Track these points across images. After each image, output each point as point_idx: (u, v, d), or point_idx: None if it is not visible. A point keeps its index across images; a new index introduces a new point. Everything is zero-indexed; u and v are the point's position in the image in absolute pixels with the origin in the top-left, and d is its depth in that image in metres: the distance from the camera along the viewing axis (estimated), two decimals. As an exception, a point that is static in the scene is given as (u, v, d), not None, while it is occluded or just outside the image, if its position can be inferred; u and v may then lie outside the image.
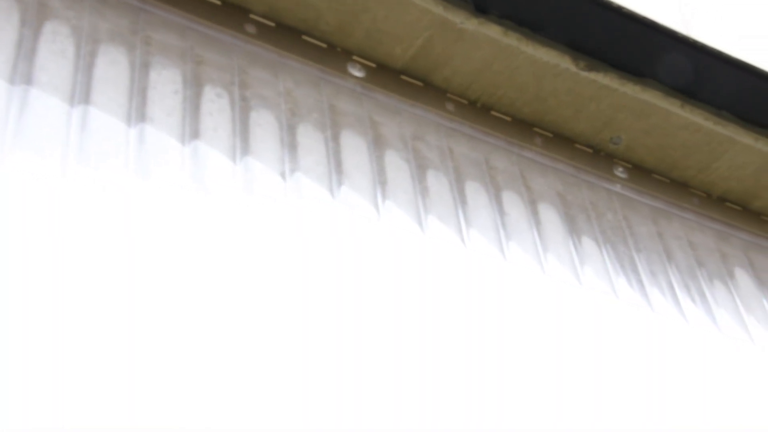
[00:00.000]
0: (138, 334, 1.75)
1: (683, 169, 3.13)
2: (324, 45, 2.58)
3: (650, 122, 2.96)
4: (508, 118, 2.88)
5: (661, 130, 2.98)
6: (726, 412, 2.54)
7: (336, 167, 2.31)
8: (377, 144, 2.47)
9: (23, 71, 1.95)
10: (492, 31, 2.64)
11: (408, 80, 2.70)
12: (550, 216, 2.68)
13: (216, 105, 2.19)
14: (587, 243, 2.70)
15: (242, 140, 2.17)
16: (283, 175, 2.19)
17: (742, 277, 3.01)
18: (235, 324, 1.86)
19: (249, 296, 1.92)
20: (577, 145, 3.00)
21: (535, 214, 2.65)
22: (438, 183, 2.49)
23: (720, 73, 2.92)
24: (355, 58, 2.61)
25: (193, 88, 2.19)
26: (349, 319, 2.03)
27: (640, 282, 2.71)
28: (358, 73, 2.57)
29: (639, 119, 2.95)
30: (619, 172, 3.02)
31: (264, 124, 2.25)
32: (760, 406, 2.61)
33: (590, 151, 3.02)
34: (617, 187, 2.98)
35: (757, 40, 3.02)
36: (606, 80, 2.81)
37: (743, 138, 3.03)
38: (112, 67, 2.08)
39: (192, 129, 2.10)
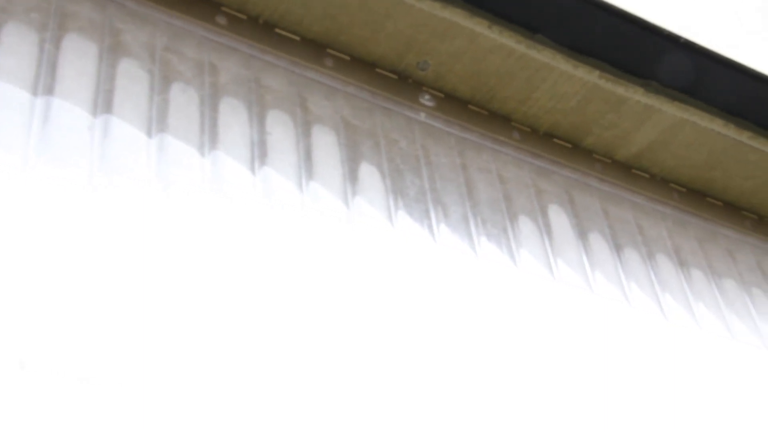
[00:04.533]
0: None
1: (502, 100, 2.89)
2: (66, -55, 2.32)
3: (456, 45, 2.72)
4: (296, 38, 2.63)
5: (469, 54, 2.75)
6: (509, 347, 2.31)
7: (48, 71, 2.06)
8: (114, 51, 2.21)
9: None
10: (260, -67, 2.39)
11: (172, -10, 2.45)
12: (325, 139, 2.44)
13: None
14: (366, 170, 2.46)
15: None
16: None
17: (557, 215, 2.78)
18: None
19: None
20: (380, 70, 2.75)
21: (306, 136, 2.41)
22: (184, 97, 2.25)
23: (532, -8, 2.69)
24: (104, -39, 2.36)
25: None
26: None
27: (425, 213, 2.47)
28: (105, -23, 2.32)
29: (443, 41, 2.71)
30: (426, 100, 2.78)
31: (-41, 20, 1.99)
32: (537, 341, 2.39)
33: (395, 76, 2.78)
34: (421, 116, 2.74)
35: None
36: (400, -5, 2.57)
37: (561, 64, 2.80)
38: None
39: None
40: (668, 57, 2.86)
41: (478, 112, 2.89)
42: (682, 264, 2.94)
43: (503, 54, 2.75)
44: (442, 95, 2.84)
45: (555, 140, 3.01)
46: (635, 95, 2.90)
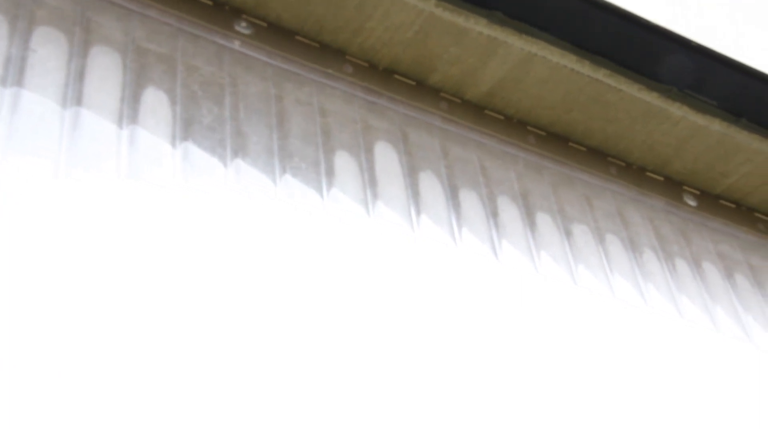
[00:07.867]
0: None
1: (334, 31, 2.68)
2: None
3: (272, -33, 2.51)
4: (91, -44, 2.41)
5: (288, -23, 2.54)
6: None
7: None
8: None
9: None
10: None
11: None
12: (105, 60, 2.22)
13: None
14: (153, 95, 2.23)
15: None
16: None
17: (384, 152, 2.57)
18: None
19: None
20: (191, -5, 2.54)
21: (81, 56, 2.19)
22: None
23: None
24: None
25: None
26: None
27: (219, 143, 2.26)
28: None
29: (257, -38, 2.49)
30: (242, 27, 2.56)
31: None
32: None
33: (210, 2, 2.56)
34: (235, 44, 2.52)
35: None
36: None
37: (391, -10, 2.59)
38: None
39: None
40: (511, -15, 2.66)
41: (308, 43, 2.68)
42: (528, 207, 2.74)
43: (326, -22, 2.54)
44: (265, 24, 2.62)
45: (396, 76, 2.80)
46: (477, 26, 2.69)
